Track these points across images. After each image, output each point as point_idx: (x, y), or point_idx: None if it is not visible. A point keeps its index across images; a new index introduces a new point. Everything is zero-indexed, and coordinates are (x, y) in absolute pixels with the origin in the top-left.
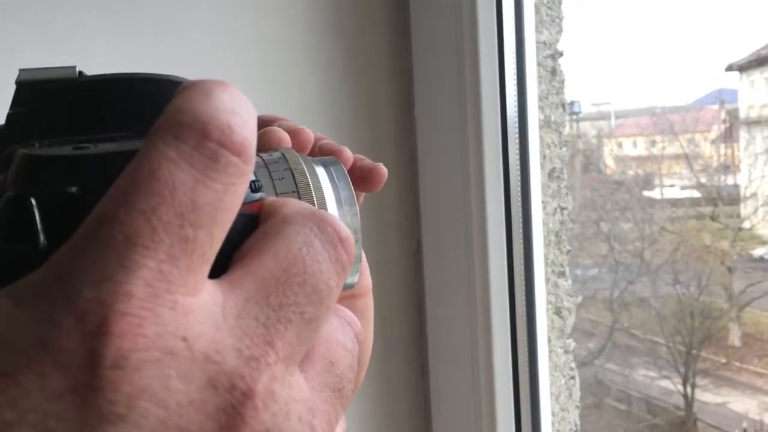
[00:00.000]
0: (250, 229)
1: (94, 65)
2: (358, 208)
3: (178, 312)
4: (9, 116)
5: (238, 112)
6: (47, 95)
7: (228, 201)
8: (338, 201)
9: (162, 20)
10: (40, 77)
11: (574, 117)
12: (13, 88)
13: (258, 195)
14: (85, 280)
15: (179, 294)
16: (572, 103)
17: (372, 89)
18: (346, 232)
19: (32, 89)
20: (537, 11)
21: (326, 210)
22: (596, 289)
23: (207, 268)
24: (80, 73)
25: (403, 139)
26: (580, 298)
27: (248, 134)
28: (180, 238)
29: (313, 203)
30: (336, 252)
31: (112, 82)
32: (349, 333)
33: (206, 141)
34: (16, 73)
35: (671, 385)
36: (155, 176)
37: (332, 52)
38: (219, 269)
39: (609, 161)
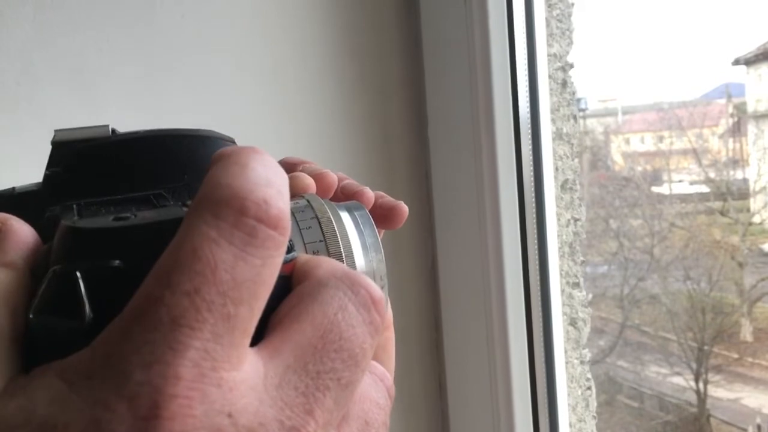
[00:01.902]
0: (284, 291)
1: (124, 121)
2: (383, 253)
3: (223, 388)
4: (46, 177)
5: (273, 182)
6: (82, 155)
7: (266, 274)
8: (364, 247)
9: (183, 52)
10: (74, 137)
11: (581, 114)
12: (49, 148)
13: (290, 255)
14: (135, 362)
15: (223, 370)
16: (579, 100)
17: (384, 107)
18: (378, 293)
19: (67, 149)
20: (547, 24)
21: (353, 258)
22: (606, 287)
23: (248, 341)
24: (113, 131)
25: (417, 154)
26: (590, 296)
27: (283, 205)
28: (223, 316)
29: (339, 251)
30: (369, 315)
31: (144, 140)
32: (381, 389)
33: (244, 218)
34: (52, 133)
35: (683, 381)
36: (197, 256)
37: (345, 72)
38: (256, 333)
39: (617, 157)
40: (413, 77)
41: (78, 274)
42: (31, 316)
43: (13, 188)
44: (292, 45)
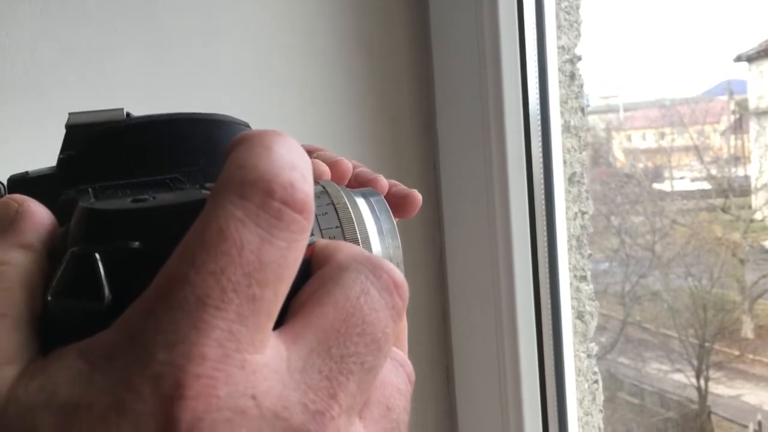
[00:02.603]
0: (304, 275)
1: (139, 104)
2: (399, 239)
3: (246, 370)
4: (60, 160)
5: (297, 166)
6: (97, 138)
7: (291, 257)
8: (380, 233)
9: (191, 41)
10: (89, 120)
11: None
12: (57, 137)
13: (309, 240)
14: (159, 342)
15: (247, 352)
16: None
17: (393, 99)
18: (400, 277)
19: (82, 132)
20: (555, 16)
21: (369, 244)
22: (608, 284)
23: (272, 324)
24: (128, 114)
25: (426, 146)
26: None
27: (308, 189)
28: (248, 297)
29: (356, 238)
30: (392, 299)
31: (159, 123)
32: (402, 375)
33: (270, 200)
34: (61, 123)
35: (684, 378)
36: (224, 236)
37: (354, 64)
38: (277, 317)
39: (618, 154)
40: (422, 69)
41: (97, 255)
42: (49, 298)
43: (27, 172)
44: (300, 37)
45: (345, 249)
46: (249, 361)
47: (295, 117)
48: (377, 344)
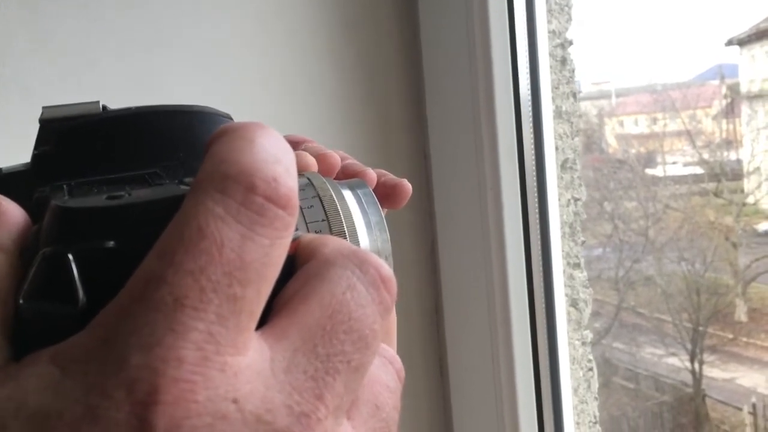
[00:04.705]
0: (288, 271)
1: (113, 97)
2: (388, 233)
3: (227, 373)
4: (34, 156)
5: (281, 159)
6: (72, 132)
7: (275, 255)
8: (368, 226)
9: (174, 30)
10: (63, 114)
11: None
12: (36, 126)
13: (294, 234)
14: (134, 345)
15: (228, 354)
16: None
17: (382, 87)
18: (388, 271)
19: (56, 127)
20: (546, 0)
21: (357, 237)
22: (601, 269)
23: (254, 324)
24: (104, 107)
25: (416, 137)
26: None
27: (292, 184)
28: (228, 297)
29: (342, 230)
30: (379, 294)
31: (136, 116)
32: (391, 372)
33: (252, 195)
34: (39, 111)
35: (679, 362)
36: (203, 234)
37: (343, 52)
38: (261, 315)
39: (611, 140)
40: (411, 56)
41: (69, 256)
42: (21, 301)
43: (0, 169)
44: (289, 25)
45: (331, 243)
46: (230, 364)
47: (284, 108)
48: (365, 341)
